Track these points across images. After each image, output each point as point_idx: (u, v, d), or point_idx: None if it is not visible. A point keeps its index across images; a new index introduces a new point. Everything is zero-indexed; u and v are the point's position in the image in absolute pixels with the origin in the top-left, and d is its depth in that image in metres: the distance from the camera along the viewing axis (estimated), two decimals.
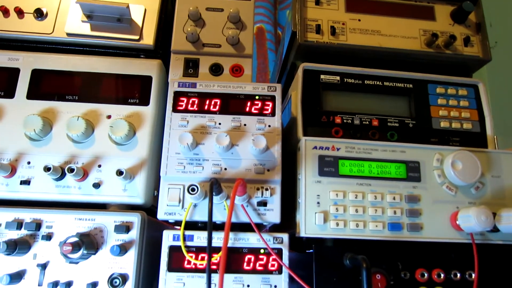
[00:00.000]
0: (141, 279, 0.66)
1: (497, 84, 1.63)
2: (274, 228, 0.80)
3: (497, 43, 1.65)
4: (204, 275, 0.65)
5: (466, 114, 0.84)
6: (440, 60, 0.86)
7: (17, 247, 0.62)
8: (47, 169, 0.66)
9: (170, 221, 0.69)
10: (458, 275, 0.69)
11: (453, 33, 0.85)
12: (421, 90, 0.83)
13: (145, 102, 0.75)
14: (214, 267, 0.66)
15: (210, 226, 0.56)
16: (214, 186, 0.57)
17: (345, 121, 0.79)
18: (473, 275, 0.69)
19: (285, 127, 0.90)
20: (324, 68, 0.82)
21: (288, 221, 0.74)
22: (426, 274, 0.69)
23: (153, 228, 0.72)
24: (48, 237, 0.65)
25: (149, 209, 0.73)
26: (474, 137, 0.83)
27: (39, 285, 0.63)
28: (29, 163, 0.70)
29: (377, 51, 0.84)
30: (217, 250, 0.65)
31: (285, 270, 0.66)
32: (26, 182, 0.69)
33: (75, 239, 0.62)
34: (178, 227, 0.67)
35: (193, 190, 0.64)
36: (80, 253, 0.62)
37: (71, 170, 0.66)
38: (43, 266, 0.64)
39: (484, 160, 0.75)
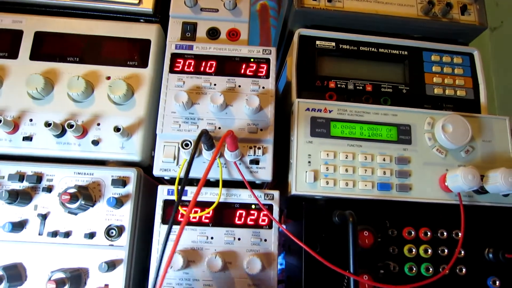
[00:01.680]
0: (136, 230, 0.69)
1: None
2: None
3: (503, 23, 1.63)
4: (197, 227, 0.68)
5: (460, 81, 0.84)
6: (436, 27, 0.86)
7: (18, 197, 0.65)
8: (47, 124, 0.68)
9: (165, 178, 0.72)
10: (445, 233, 0.71)
11: (450, 1, 0.86)
12: (416, 57, 0.84)
13: (143, 64, 0.77)
14: (206, 220, 0.68)
15: (187, 173, 0.57)
16: (204, 136, 0.59)
17: (339, 85, 0.80)
18: (460, 234, 0.71)
19: (281, 93, 0.92)
20: (319, 34, 0.83)
21: (282, 188, 0.77)
22: (413, 232, 0.71)
23: (149, 186, 0.74)
24: (49, 189, 0.68)
25: (146, 169, 0.75)
26: (468, 104, 0.83)
27: (39, 234, 0.67)
28: (31, 120, 0.73)
29: (374, 17, 0.84)
30: (208, 205, 0.67)
31: (275, 225, 0.69)
32: (28, 138, 0.72)
33: (74, 190, 0.65)
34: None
35: (186, 145, 0.66)
36: (78, 203, 0.64)
37: (71, 126, 0.68)
38: (44, 217, 0.67)
39: (476, 125, 0.76)
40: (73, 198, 0.63)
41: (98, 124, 0.73)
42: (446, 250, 0.70)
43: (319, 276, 0.68)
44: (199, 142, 0.53)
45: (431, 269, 0.69)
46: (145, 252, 0.71)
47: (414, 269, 0.69)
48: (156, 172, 0.70)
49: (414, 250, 0.70)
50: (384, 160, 0.73)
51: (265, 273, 0.67)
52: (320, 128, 0.73)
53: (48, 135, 0.71)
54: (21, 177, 0.68)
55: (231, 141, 0.61)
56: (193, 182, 0.72)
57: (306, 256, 0.68)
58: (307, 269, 0.68)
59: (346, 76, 0.81)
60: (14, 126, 0.71)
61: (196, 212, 0.68)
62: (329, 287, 0.67)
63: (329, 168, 0.71)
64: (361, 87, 0.81)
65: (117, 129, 0.69)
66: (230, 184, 0.71)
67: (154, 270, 0.59)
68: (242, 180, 0.70)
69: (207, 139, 0.59)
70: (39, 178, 0.68)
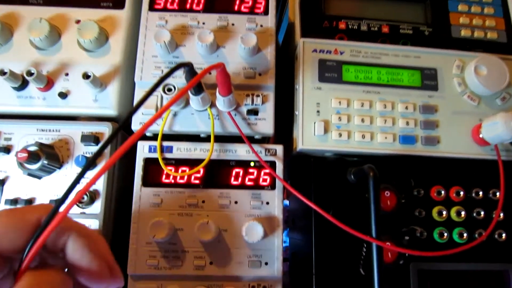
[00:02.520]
0: (113, 196, 0.57)
1: None
2: None
3: None
4: (185, 190, 0.57)
5: (491, 22, 0.72)
6: None
7: None
8: (3, 73, 0.57)
9: (147, 134, 0.60)
10: (481, 193, 0.60)
11: None
12: None
13: (119, 5, 0.65)
14: (196, 181, 0.57)
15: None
16: (187, 71, 0.47)
17: (350, 27, 0.68)
18: (498, 193, 0.60)
19: (282, 42, 0.80)
20: None
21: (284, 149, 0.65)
22: (443, 192, 0.59)
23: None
24: (6, 149, 0.57)
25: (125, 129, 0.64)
26: (500, 47, 0.71)
27: None
28: None
29: None
30: (198, 163, 0.56)
31: (279, 186, 0.58)
32: None
33: (34, 148, 0.53)
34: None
35: (169, 90, 0.54)
36: (39, 164, 0.53)
37: (30, 74, 0.57)
38: (1, 182, 0.56)
39: None
40: (33, 157, 0.52)
41: (67, 75, 0.62)
42: (482, 213, 0.59)
43: (331, 247, 0.57)
44: (172, 73, 0.40)
45: (465, 235, 0.58)
46: (123, 222, 0.60)
47: (445, 234, 0.58)
48: (135, 126, 0.58)
49: (444, 212, 0.59)
50: (406, 108, 0.61)
51: (268, 240, 0.56)
52: (330, 72, 0.62)
53: (6, 88, 0.60)
54: None
55: (222, 78, 0.50)
56: (181, 137, 0.60)
57: (317, 222, 0.57)
58: (318, 238, 0.57)
59: (358, 16, 0.69)
60: None
61: (184, 171, 0.56)
62: (344, 259, 0.56)
63: (342, 118, 0.60)
64: (376, 28, 0.69)
65: (86, 76, 0.57)
66: (223, 140, 0.60)
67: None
68: (238, 135, 0.58)
69: (190, 74, 0.47)
70: None
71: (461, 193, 0.59)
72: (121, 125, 0.36)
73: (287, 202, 0.76)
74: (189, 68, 0.46)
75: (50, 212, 0.30)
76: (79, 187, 0.29)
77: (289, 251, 0.80)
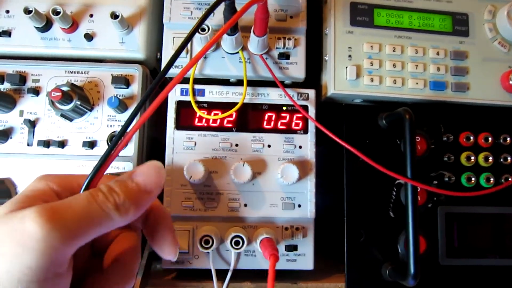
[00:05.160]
0: (145, 138, 0.57)
1: None
2: None
3: None
4: (218, 133, 0.56)
5: None
6: None
7: None
8: (27, 11, 0.55)
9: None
10: (508, 139, 0.60)
11: None
12: None
13: None
14: (229, 125, 0.57)
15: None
16: (227, 6, 0.45)
17: None
18: None
19: None
20: None
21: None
22: (471, 138, 0.60)
23: (155, 91, 0.62)
24: (35, 91, 0.56)
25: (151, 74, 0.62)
26: None
27: (28, 145, 0.55)
28: (7, 12, 0.59)
29: None
30: (231, 106, 0.56)
31: (312, 130, 0.58)
32: (6, 33, 0.58)
33: (66, 88, 0.52)
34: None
35: (203, 30, 0.53)
36: (72, 104, 0.52)
37: (57, 13, 0.55)
38: (32, 124, 0.55)
39: None
40: (66, 96, 0.51)
41: (91, 16, 0.60)
42: (509, 158, 0.60)
43: (361, 192, 0.57)
44: (215, 8, 0.39)
45: (492, 180, 0.59)
46: None
47: (473, 179, 0.59)
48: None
49: (472, 158, 0.59)
50: (437, 54, 0.60)
51: (301, 183, 0.56)
52: (362, 16, 0.60)
53: (30, 29, 0.58)
54: (0, 77, 0.55)
55: (262, 15, 0.48)
56: (209, 82, 0.59)
57: (348, 166, 0.57)
58: (349, 183, 0.57)
59: None
60: None
61: (216, 115, 0.56)
62: (373, 203, 0.57)
63: (373, 63, 0.59)
64: None
65: (114, 16, 0.56)
66: (252, 84, 0.59)
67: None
68: (268, 80, 0.58)
69: (230, 10, 0.46)
70: (22, 78, 0.56)
71: (489, 139, 0.60)
72: (166, 69, 0.34)
73: None
74: (230, 3, 0.45)
75: (111, 144, 0.29)
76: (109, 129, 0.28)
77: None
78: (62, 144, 0.55)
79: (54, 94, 0.50)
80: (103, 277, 0.29)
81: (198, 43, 0.56)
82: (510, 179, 0.59)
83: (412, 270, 0.50)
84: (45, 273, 0.22)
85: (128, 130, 0.29)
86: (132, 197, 0.26)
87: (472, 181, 0.59)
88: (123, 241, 0.31)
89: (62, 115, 0.53)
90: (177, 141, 0.55)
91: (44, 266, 0.22)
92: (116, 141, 0.29)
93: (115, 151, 0.29)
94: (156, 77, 0.32)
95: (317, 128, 0.57)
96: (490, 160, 0.59)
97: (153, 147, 0.61)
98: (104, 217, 0.24)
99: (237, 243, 0.53)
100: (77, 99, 0.52)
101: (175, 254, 0.31)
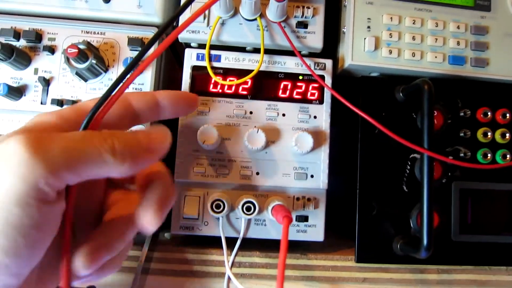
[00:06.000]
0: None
1: None
2: None
3: None
4: (233, 100, 0.56)
5: None
6: None
7: (14, 53, 0.52)
8: None
9: (192, 44, 0.59)
10: None
11: None
12: None
13: None
14: (244, 92, 0.56)
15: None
16: None
17: None
18: None
19: None
20: None
21: None
22: (489, 114, 0.59)
23: (171, 58, 0.62)
24: (51, 49, 0.55)
25: None
26: None
27: (42, 104, 0.55)
28: None
29: None
30: (247, 73, 0.55)
31: (327, 100, 0.57)
32: None
33: (83, 46, 0.52)
34: None
35: None
36: (88, 63, 0.52)
37: None
38: (46, 82, 0.55)
39: None
40: (82, 54, 0.51)
41: None
42: None
43: (375, 165, 0.57)
44: None
45: (508, 156, 0.58)
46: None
47: (489, 155, 0.58)
48: (182, 34, 0.57)
49: (489, 134, 0.59)
50: (458, 28, 0.59)
51: (315, 154, 0.56)
52: None
53: None
54: (16, 33, 0.55)
55: None
56: (225, 49, 0.59)
57: (363, 138, 0.57)
58: (363, 155, 0.57)
59: None
60: None
61: (232, 81, 0.56)
62: (387, 177, 0.57)
63: (392, 35, 0.58)
64: None
65: None
66: (269, 52, 0.58)
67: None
68: (285, 49, 0.57)
69: None
70: (38, 35, 0.55)
71: (507, 115, 0.59)
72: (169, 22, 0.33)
73: None
74: None
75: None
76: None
77: None
78: (75, 103, 0.54)
79: (70, 50, 0.49)
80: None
81: (217, 9, 0.55)
82: None
83: (425, 242, 0.49)
84: (25, 198, 0.22)
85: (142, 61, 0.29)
86: (132, 149, 0.26)
87: (488, 157, 0.58)
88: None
89: (77, 73, 0.53)
90: None
91: (24, 190, 0.22)
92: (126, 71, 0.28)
93: (125, 82, 0.29)
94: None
95: (332, 100, 0.57)
96: (507, 137, 0.59)
97: None
98: (96, 155, 0.24)
99: (248, 208, 0.53)
100: (93, 57, 0.52)
101: (152, 227, 0.28)
